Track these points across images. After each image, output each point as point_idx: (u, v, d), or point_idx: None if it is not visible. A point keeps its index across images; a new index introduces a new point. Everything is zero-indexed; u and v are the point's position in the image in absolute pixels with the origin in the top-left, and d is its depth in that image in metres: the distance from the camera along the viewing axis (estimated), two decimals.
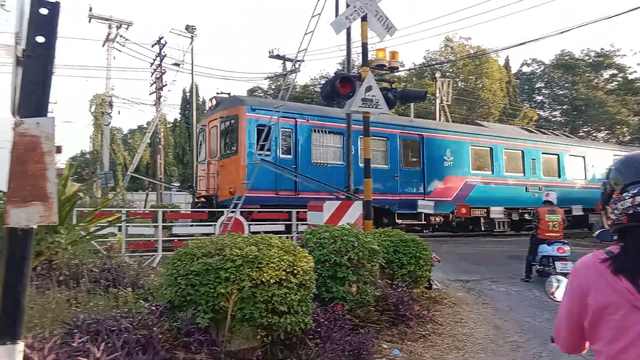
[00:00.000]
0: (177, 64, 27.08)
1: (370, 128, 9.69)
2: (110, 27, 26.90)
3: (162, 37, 27.30)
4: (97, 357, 3.25)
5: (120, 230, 8.83)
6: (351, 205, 8.83)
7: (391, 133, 16.16)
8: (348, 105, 9.52)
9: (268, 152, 12.54)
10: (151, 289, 5.46)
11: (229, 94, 16.11)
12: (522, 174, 18.83)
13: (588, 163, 21.13)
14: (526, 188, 18.69)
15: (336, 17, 9.62)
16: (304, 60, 11.51)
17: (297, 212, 12.12)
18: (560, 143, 21.05)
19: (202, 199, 14.12)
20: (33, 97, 2.63)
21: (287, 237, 6.51)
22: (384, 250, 6.77)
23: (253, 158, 12.16)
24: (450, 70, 44.48)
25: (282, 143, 14.07)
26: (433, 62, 43.41)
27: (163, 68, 27.51)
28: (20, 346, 2.51)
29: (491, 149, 18.33)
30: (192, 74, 27.68)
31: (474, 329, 6.65)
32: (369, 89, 9.19)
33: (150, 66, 27.99)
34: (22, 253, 2.52)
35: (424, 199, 16.18)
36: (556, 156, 20.13)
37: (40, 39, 2.66)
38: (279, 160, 13.33)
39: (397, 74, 22.72)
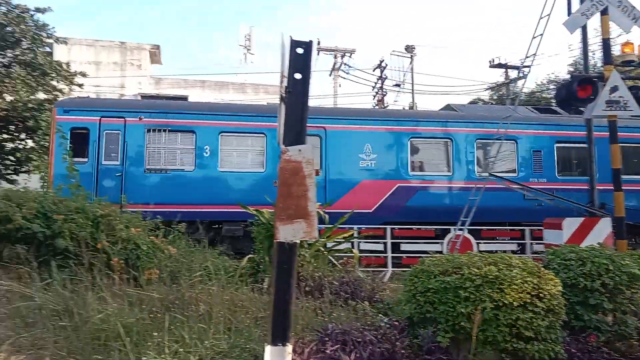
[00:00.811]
0: (397, 85, 27.92)
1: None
2: (335, 56, 29.14)
3: (383, 60, 28.48)
4: None
5: (352, 245, 9.41)
6: (597, 223, 7.91)
7: (270, 127, 12.43)
8: (589, 110, 8.62)
9: (84, 159, 11.22)
10: (390, 303, 5.67)
11: None
12: (515, 174, 12.84)
13: None
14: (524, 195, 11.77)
15: (569, 15, 8.87)
16: (531, 66, 10.72)
17: (531, 230, 11.25)
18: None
19: None
20: (294, 128, 2.97)
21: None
22: None
23: None
24: None
25: (107, 147, 11.78)
26: None
27: (384, 90, 28.62)
28: (289, 348, 2.84)
29: (451, 139, 13.05)
30: (412, 92, 28.21)
31: None
32: (614, 89, 8.20)
33: (372, 89, 29.38)
34: (289, 264, 2.86)
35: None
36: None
37: (297, 76, 3.02)
38: (100, 168, 11.50)
39: None
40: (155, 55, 33.52)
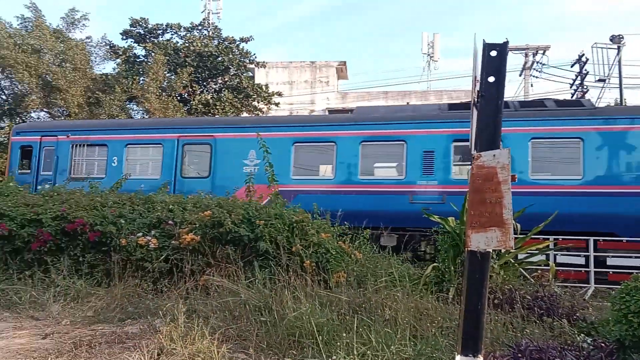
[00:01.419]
0: (601, 80, 25.00)
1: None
2: (526, 55, 27.27)
3: (583, 55, 25.80)
4: None
5: (547, 258, 8.71)
6: None
7: (167, 138, 13.55)
8: None
9: (28, 170, 14.06)
10: (594, 323, 5.13)
11: None
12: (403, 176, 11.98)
13: None
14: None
15: None
16: None
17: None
18: None
19: None
20: (486, 132, 2.88)
21: None
22: None
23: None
24: None
25: (44, 161, 14.27)
26: None
27: (585, 87, 25.90)
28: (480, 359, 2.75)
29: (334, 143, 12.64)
30: (620, 87, 25.04)
31: None
32: None
33: (570, 87, 26.84)
34: (481, 274, 2.77)
35: None
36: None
37: (491, 79, 2.92)
38: (39, 178, 13.85)
39: None
40: (341, 71, 35.25)
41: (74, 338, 4.97)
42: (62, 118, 24.25)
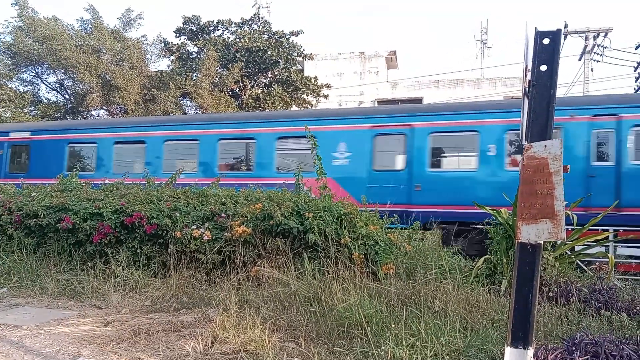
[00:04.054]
0: None
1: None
2: (586, 38, 26.10)
3: None
4: None
5: (607, 250, 8.37)
6: None
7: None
8: None
9: None
10: None
11: None
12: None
13: None
14: None
15: None
16: None
17: None
18: None
19: None
20: (538, 122, 2.82)
21: None
22: None
23: None
24: None
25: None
26: None
27: None
28: (531, 352, 2.70)
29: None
30: None
31: None
32: None
33: (635, 70, 25.50)
34: (532, 266, 2.72)
35: None
36: None
37: (543, 68, 2.84)
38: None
39: None
40: (391, 60, 34.90)
41: (133, 326, 5.21)
42: (120, 115, 25.23)
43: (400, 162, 12.13)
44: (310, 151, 8.75)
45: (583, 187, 10.28)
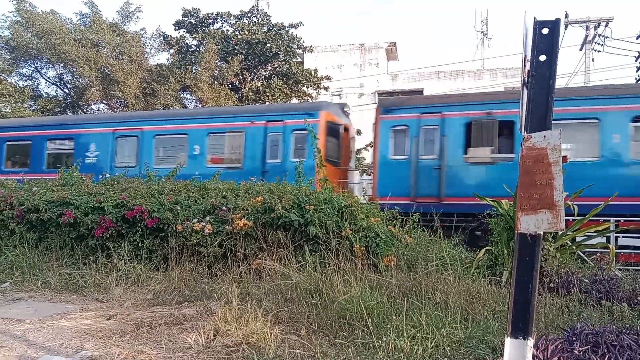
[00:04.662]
0: None
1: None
2: (587, 28, 25.94)
3: None
4: None
5: (608, 240, 8.38)
6: None
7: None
8: None
9: None
10: None
11: None
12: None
13: None
14: None
15: None
16: None
17: None
18: None
19: None
20: (537, 113, 2.81)
21: None
22: None
23: None
24: None
25: None
26: None
27: None
28: (531, 343, 2.71)
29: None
30: None
31: None
32: None
33: (636, 60, 25.37)
34: (531, 257, 2.72)
35: None
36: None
37: (542, 58, 2.83)
38: None
39: None
40: (391, 52, 34.74)
41: (135, 319, 5.24)
42: (120, 109, 25.19)
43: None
44: None
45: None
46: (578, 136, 11.22)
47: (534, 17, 2.86)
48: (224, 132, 14.11)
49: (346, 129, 14.06)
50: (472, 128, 11.56)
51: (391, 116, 12.51)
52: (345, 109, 14.42)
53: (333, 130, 13.47)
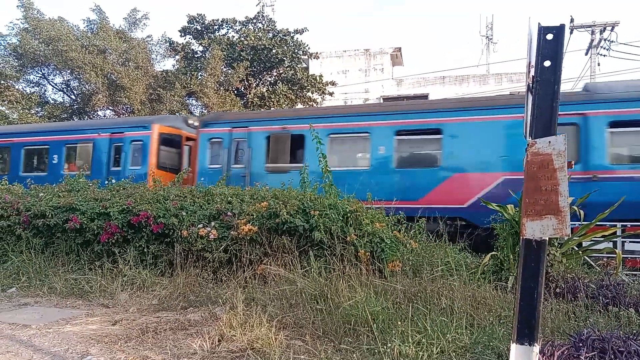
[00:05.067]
0: None
1: None
2: (593, 33, 25.89)
3: None
4: None
5: (615, 245, 8.32)
6: None
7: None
8: None
9: None
10: None
11: None
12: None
13: None
14: None
15: None
16: None
17: None
18: None
19: None
20: (542, 118, 2.81)
21: None
22: None
23: None
24: None
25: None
26: None
27: None
28: (536, 349, 2.70)
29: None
30: None
31: None
32: None
33: None
34: (537, 262, 2.71)
35: None
36: None
37: (547, 64, 2.83)
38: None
39: None
40: (396, 57, 34.78)
41: (140, 324, 5.24)
42: (127, 115, 25.32)
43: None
44: None
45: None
46: (355, 147, 12.98)
47: (539, 23, 2.86)
48: (77, 144, 15.99)
49: (189, 139, 15.56)
50: (271, 141, 13.15)
51: (209, 129, 14.04)
52: (190, 122, 15.94)
53: (169, 140, 15.10)
